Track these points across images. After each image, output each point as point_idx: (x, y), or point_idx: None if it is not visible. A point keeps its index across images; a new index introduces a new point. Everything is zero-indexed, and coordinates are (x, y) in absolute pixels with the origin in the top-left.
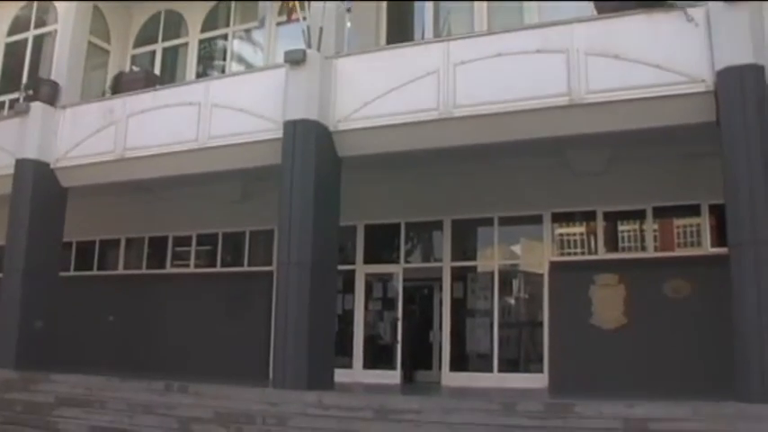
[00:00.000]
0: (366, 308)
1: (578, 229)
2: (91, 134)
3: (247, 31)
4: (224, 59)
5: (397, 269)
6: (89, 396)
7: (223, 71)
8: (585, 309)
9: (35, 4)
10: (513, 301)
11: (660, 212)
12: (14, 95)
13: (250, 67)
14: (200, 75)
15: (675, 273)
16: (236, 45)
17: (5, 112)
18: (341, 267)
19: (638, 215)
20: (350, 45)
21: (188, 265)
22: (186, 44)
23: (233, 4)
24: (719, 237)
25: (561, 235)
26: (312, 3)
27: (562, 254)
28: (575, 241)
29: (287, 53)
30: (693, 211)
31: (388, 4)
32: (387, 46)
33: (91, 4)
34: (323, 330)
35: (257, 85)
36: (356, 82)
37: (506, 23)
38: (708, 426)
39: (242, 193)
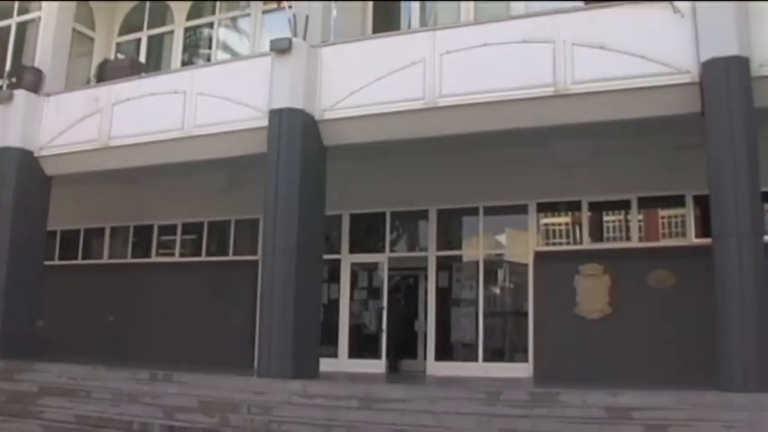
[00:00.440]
0: (351, 297)
1: (563, 219)
2: (75, 122)
3: (233, 19)
4: (210, 48)
5: (382, 258)
6: (74, 385)
7: (209, 59)
8: (570, 299)
9: None
10: (498, 291)
11: (645, 203)
12: None
13: (236, 56)
14: (186, 63)
15: (660, 263)
16: (221, 33)
17: None
18: (326, 257)
19: (623, 205)
20: (336, 34)
21: (173, 254)
22: (172, 32)
23: None
24: (704, 227)
25: (546, 225)
26: None
27: (547, 244)
28: (560, 231)
29: (273, 42)
30: (678, 201)
31: None
32: (373, 35)
33: None
34: (308, 319)
35: (243, 74)
36: (342, 71)
37: None
38: (690, 414)
39: (227, 182)
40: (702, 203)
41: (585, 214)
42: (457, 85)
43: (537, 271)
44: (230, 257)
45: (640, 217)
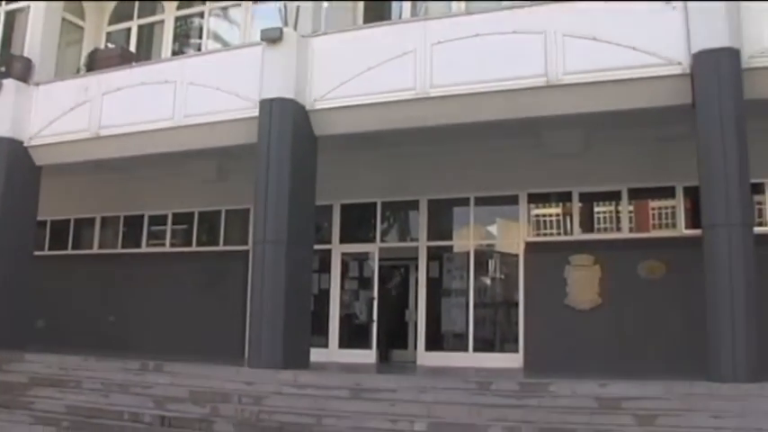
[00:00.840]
0: (342, 287)
1: (554, 209)
2: (65, 112)
3: (224, 9)
4: (200, 37)
5: (373, 248)
6: (64, 375)
7: (199, 49)
8: (560, 289)
9: None
10: (488, 282)
11: (635, 194)
12: None
13: (226, 46)
14: (177, 53)
15: (650, 254)
16: (212, 23)
17: None
18: (317, 247)
19: (614, 196)
20: (327, 24)
21: (164, 244)
22: (162, 21)
23: None
24: (694, 218)
25: (537, 216)
26: None
27: (538, 234)
28: (550, 222)
29: (263, 31)
30: (668, 192)
31: None
32: (364, 25)
33: None
34: (299, 309)
35: (234, 64)
36: (333, 61)
37: None
38: (679, 405)
39: (218, 172)
40: (693, 194)
41: (576, 205)
42: (448, 76)
43: (527, 261)
44: (221, 247)
45: (631, 208)
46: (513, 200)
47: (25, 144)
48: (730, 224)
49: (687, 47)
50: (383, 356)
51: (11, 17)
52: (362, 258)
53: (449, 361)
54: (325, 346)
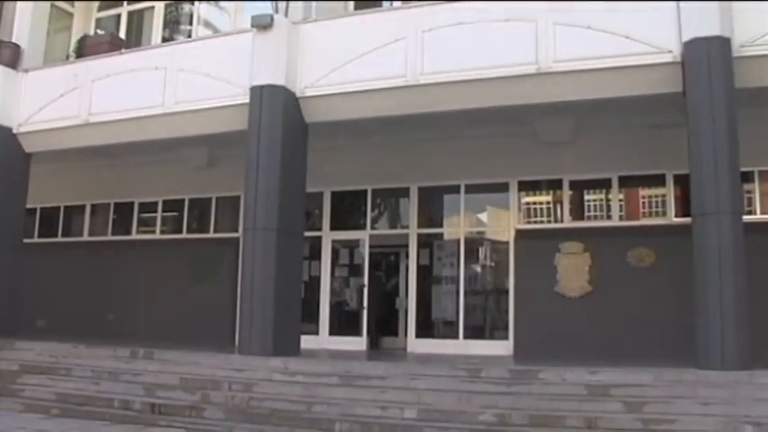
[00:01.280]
0: (332, 274)
1: (544, 197)
2: (54, 99)
3: None
4: (190, 24)
5: (363, 236)
6: (54, 363)
7: (189, 36)
8: (551, 277)
9: None
10: (478, 269)
11: (626, 182)
12: None
13: (217, 32)
14: (167, 39)
15: (640, 242)
16: (202, 9)
17: None
18: (307, 234)
19: (604, 184)
20: (317, 11)
21: (154, 232)
22: (152, 8)
23: None
24: (684, 207)
25: (527, 203)
26: None
27: (528, 222)
28: (541, 210)
29: (254, 18)
30: (659, 180)
31: None
32: (355, 12)
33: None
34: (289, 297)
35: (224, 50)
36: (324, 48)
37: None
38: (668, 392)
39: (208, 159)
40: (683, 183)
41: (567, 193)
42: (439, 63)
43: (518, 249)
44: (211, 235)
45: (621, 196)
46: (503, 187)
47: (14, 131)
48: (720, 212)
49: (678, 35)
50: (373, 344)
51: None
52: (353, 245)
53: (439, 348)
54: (316, 333)
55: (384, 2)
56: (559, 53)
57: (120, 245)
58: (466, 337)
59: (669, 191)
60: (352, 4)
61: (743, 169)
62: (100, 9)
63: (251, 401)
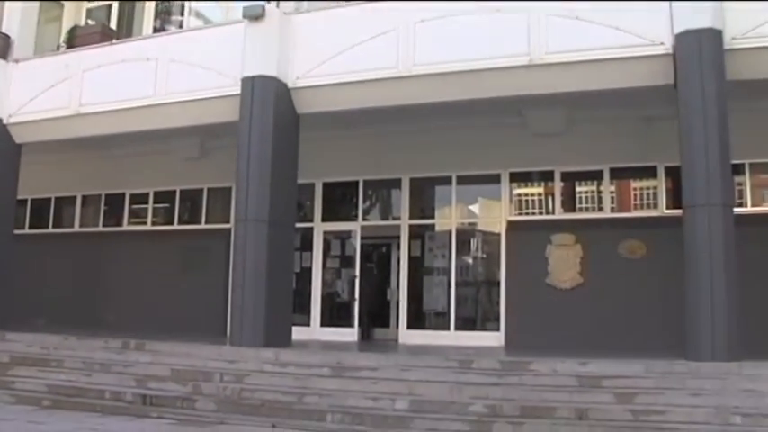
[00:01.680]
0: (324, 265)
1: (536, 189)
2: (45, 89)
3: None
4: (182, 14)
5: (355, 227)
6: (45, 355)
7: (181, 26)
8: (542, 268)
9: None
10: (470, 260)
11: (617, 174)
12: None
13: (208, 23)
14: (158, 30)
15: (631, 233)
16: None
17: None
18: (299, 225)
19: (596, 176)
20: (309, 1)
21: (145, 223)
22: None
23: None
24: (675, 198)
25: (519, 195)
26: None
27: (520, 214)
28: (532, 201)
29: (245, 8)
30: (650, 172)
31: None
32: (347, 3)
33: None
34: (280, 288)
35: (215, 41)
36: (316, 38)
37: None
38: (658, 383)
39: (200, 150)
40: (674, 175)
41: (558, 184)
42: (431, 54)
43: (509, 240)
44: (203, 226)
45: (612, 188)
46: (495, 179)
47: (4, 122)
48: (711, 204)
49: (670, 27)
50: (365, 335)
51: None
52: (344, 237)
53: (430, 339)
54: (307, 324)
55: None
56: (551, 45)
57: (112, 236)
58: (457, 328)
59: (660, 183)
60: None
61: (734, 161)
62: None
63: (242, 392)
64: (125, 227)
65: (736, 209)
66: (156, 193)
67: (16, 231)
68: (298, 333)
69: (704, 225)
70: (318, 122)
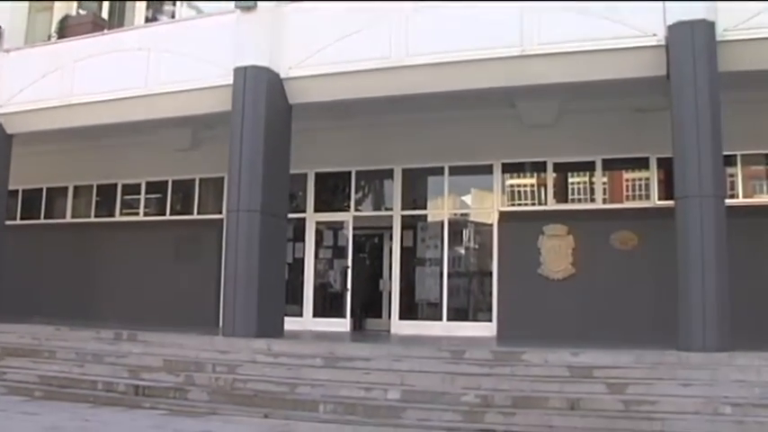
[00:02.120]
0: (316, 256)
1: (528, 180)
2: (36, 79)
3: None
4: (174, 4)
5: (347, 217)
6: (37, 346)
7: (173, 16)
8: (534, 259)
9: None
10: (462, 251)
11: (609, 165)
12: None
13: (201, 13)
14: (150, 20)
15: (623, 224)
16: None
17: None
18: (291, 215)
19: (588, 167)
20: None
21: (137, 213)
22: None
23: None
24: (667, 189)
25: (511, 185)
26: None
27: (512, 204)
28: (525, 192)
29: None
30: (642, 163)
31: None
32: None
33: None
34: (273, 278)
35: (207, 31)
36: (308, 29)
37: None
38: (649, 373)
39: (192, 141)
40: (666, 166)
41: (550, 175)
42: (424, 44)
43: (501, 231)
44: (195, 216)
45: (605, 179)
46: (487, 169)
47: None
48: (703, 195)
49: (663, 18)
50: (357, 325)
51: None
52: (337, 227)
53: (423, 330)
54: (300, 315)
55: None
56: (544, 35)
57: (104, 227)
58: (449, 318)
59: (652, 174)
60: None
61: (726, 153)
62: None
63: (235, 383)
64: (117, 217)
65: (727, 200)
66: (148, 184)
67: (7, 222)
68: (290, 324)
69: (696, 216)
70: (311, 113)
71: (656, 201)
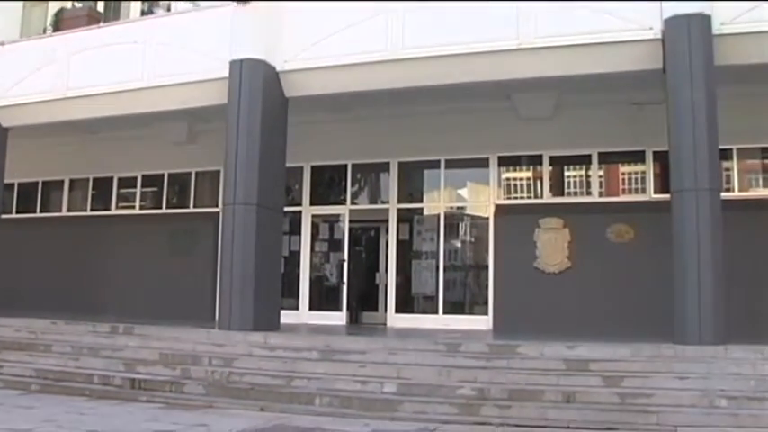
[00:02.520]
0: (312, 249)
1: (524, 173)
2: (31, 73)
3: None
4: None
5: (343, 211)
6: (33, 339)
7: (169, 9)
8: (530, 252)
9: None
10: (458, 244)
11: (605, 158)
12: None
13: (197, 6)
14: (145, 13)
15: (619, 218)
16: None
17: None
18: (287, 209)
19: (584, 160)
20: None
21: (133, 207)
22: None
23: None
24: (663, 183)
25: (507, 179)
26: None
27: (508, 197)
28: (521, 185)
29: None
30: (638, 157)
31: None
32: None
33: None
34: (269, 271)
35: (203, 24)
36: (304, 21)
37: None
38: (645, 366)
39: (188, 134)
40: (662, 159)
41: (546, 168)
42: (420, 37)
43: (497, 224)
44: (191, 209)
45: (601, 172)
46: (483, 163)
47: None
48: (698, 189)
49: (659, 12)
50: (353, 318)
51: None
52: (333, 220)
53: (418, 323)
54: (296, 308)
55: None
56: (541, 29)
57: (100, 220)
58: (445, 311)
59: (648, 167)
60: None
61: (721, 146)
62: None
63: (231, 376)
64: (113, 211)
65: (723, 194)
66: (144, 177)
67: (3, 216)
68: (286, 317)
69: (692, 210)
70: (307, 106)
71: (651, 194)
